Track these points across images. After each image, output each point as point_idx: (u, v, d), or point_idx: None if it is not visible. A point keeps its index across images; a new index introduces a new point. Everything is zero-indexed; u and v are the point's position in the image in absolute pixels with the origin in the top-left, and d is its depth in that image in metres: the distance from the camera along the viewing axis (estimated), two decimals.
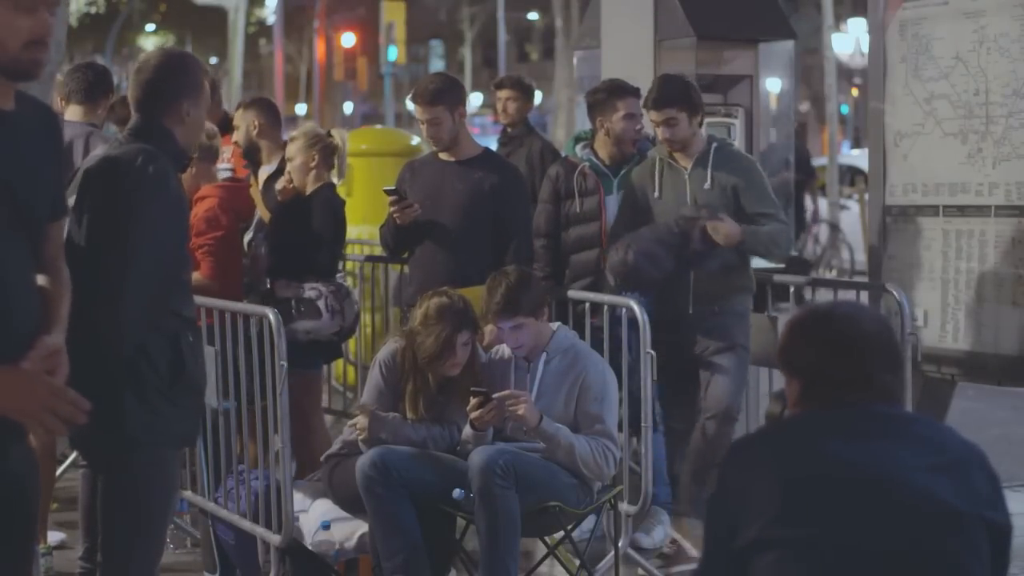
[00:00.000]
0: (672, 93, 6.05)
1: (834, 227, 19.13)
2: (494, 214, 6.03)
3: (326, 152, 6.31)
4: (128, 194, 3.81)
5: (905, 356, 5.81)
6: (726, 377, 6.06)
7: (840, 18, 34.77)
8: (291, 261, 6.24)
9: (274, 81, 39.46)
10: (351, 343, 7.81)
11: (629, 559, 5.84)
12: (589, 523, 5.48)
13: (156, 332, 3.84)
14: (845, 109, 39.93)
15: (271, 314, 5.34)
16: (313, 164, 6.28)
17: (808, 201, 17.42)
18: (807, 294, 7.11)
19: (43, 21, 3.20)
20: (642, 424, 5.55)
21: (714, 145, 6.11)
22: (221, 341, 5.60)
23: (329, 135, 6.42)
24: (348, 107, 49.31)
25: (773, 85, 8.01)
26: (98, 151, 4.10)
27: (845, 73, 37.30)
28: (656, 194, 6.15)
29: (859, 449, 2.78)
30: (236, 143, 6.98)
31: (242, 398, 5.66)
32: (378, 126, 28.55)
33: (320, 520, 5.38)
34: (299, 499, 5.46)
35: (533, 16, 49.87)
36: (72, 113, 6.47)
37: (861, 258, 15.61)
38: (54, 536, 6.13)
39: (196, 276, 5.55)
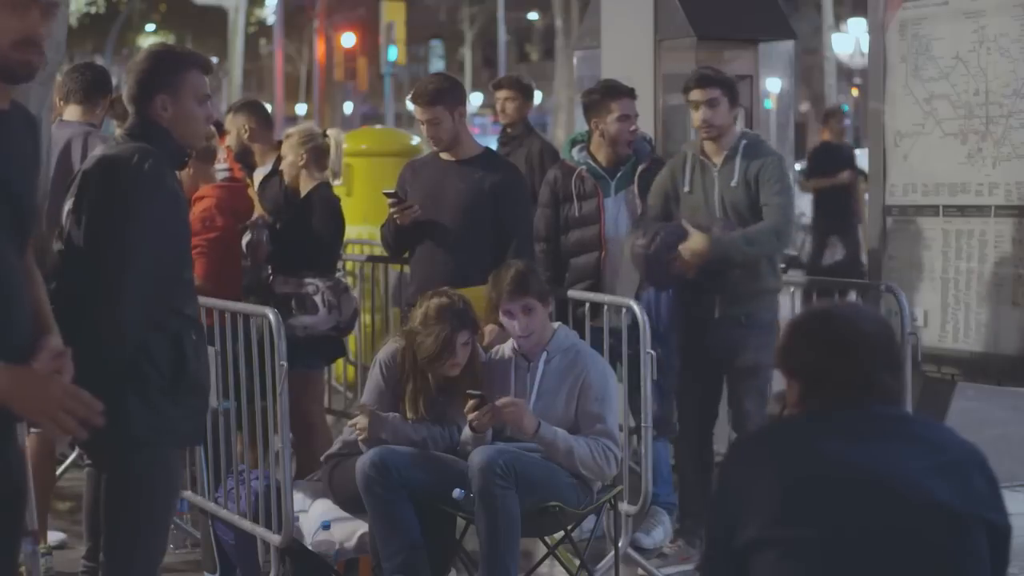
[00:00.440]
0: (717, 75, 6.11)
1: None
2: (494, 214, 6.02)
3: (316, 152, 6.33)
4: (125, 194, 3.80)
5: (905, 356, 5.81)
6: (752, 404, 6.01)
7: (840, 18, 34.83)
8: (291, 258, 6.25)
9: (274, 81, 39.49)
10: (351, 343, 7.81)
11: (629, 559, 5.83)
12: (589, 523, 5.48)
13: (158, 331, 3.82)
14: (845, 109, 39.90)
15: (271, 314, 5.34)
16: (302, 163, 6.31)
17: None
18: (795, 297, 7.07)
19: (34, 21, 3.18)
20: (642, 424, 5.56)
21: (743, 142, 6.10)
22: (221, 341, 5.60)
23: (324, 136, 6.43)
24: (348, 107, 49.25)
25: (773, 85, 8.02)
26: (96, 151, 4.09)
27: (845, 73, 37.34)
28: (687, 188, 6.15)
29: (859, 450, 2.78)
30: (229, 147, 6.98)
31: (242, 398, 5.66)
32: (378, 126, 28.52)
33: (320, 520, 5.38)
34: (299, 499, 5.46)
35: (533, 16, 49.88)
36: (71, 113, 6.47)
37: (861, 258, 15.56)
38: (54, 536, 6.12)
39: None
